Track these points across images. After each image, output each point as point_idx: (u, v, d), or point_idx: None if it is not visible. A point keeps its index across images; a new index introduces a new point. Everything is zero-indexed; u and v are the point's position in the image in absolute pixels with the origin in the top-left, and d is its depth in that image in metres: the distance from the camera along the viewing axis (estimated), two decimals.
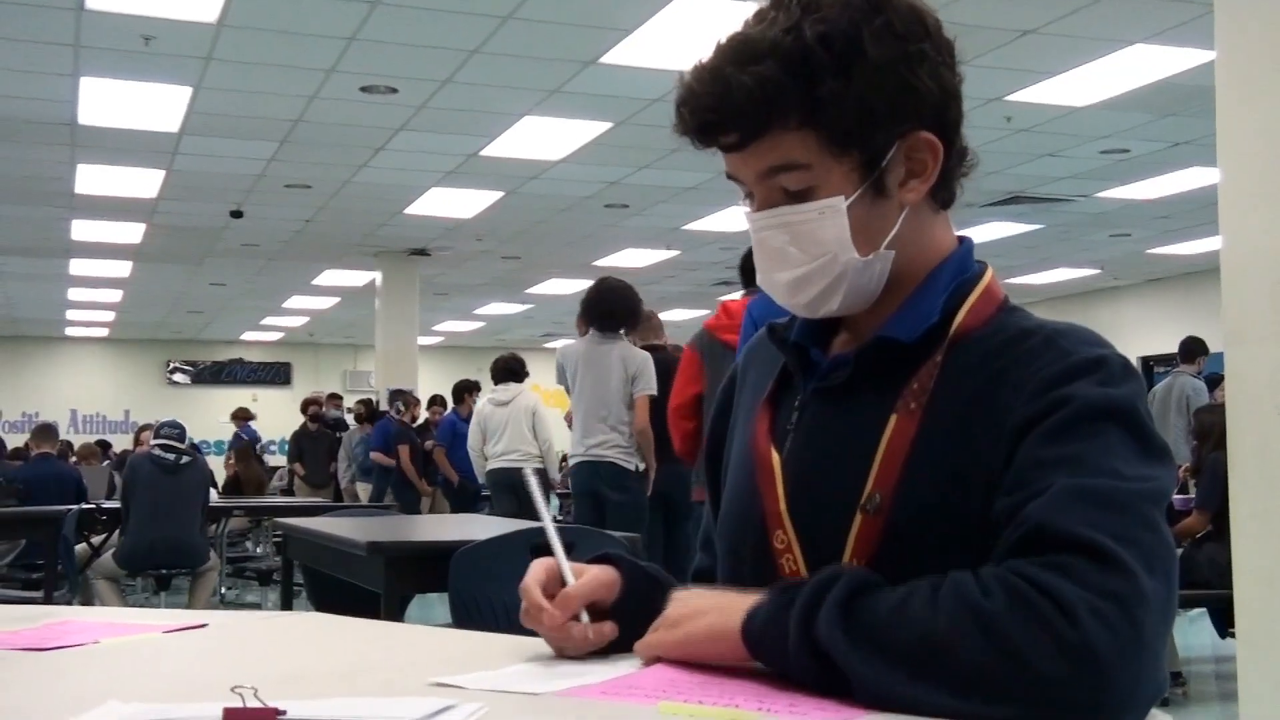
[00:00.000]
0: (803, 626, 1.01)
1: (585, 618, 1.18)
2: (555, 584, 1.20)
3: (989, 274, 1.24)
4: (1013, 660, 0.92)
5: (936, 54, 1.17)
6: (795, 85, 1.12)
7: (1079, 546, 0.96)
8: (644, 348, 6.17)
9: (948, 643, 0.94)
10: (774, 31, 1.14)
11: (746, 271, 5.06)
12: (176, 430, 7.26)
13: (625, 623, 1.20)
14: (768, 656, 1.05)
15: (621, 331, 6.12)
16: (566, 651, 1.20)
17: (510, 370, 8.17)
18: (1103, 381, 1.09)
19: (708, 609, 1.11)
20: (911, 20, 1.16)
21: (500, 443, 7.83)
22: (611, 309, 6.01)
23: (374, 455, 11.28)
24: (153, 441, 7.29)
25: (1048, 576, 0.95)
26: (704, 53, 1.21)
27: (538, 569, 1.21)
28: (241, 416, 15.15)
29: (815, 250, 1.18)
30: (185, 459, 7.08)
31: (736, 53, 1.15)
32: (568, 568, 1.21)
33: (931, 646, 0.95)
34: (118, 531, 7.25)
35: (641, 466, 5.99)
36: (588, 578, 1.21)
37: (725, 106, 1.15)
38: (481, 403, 8.41)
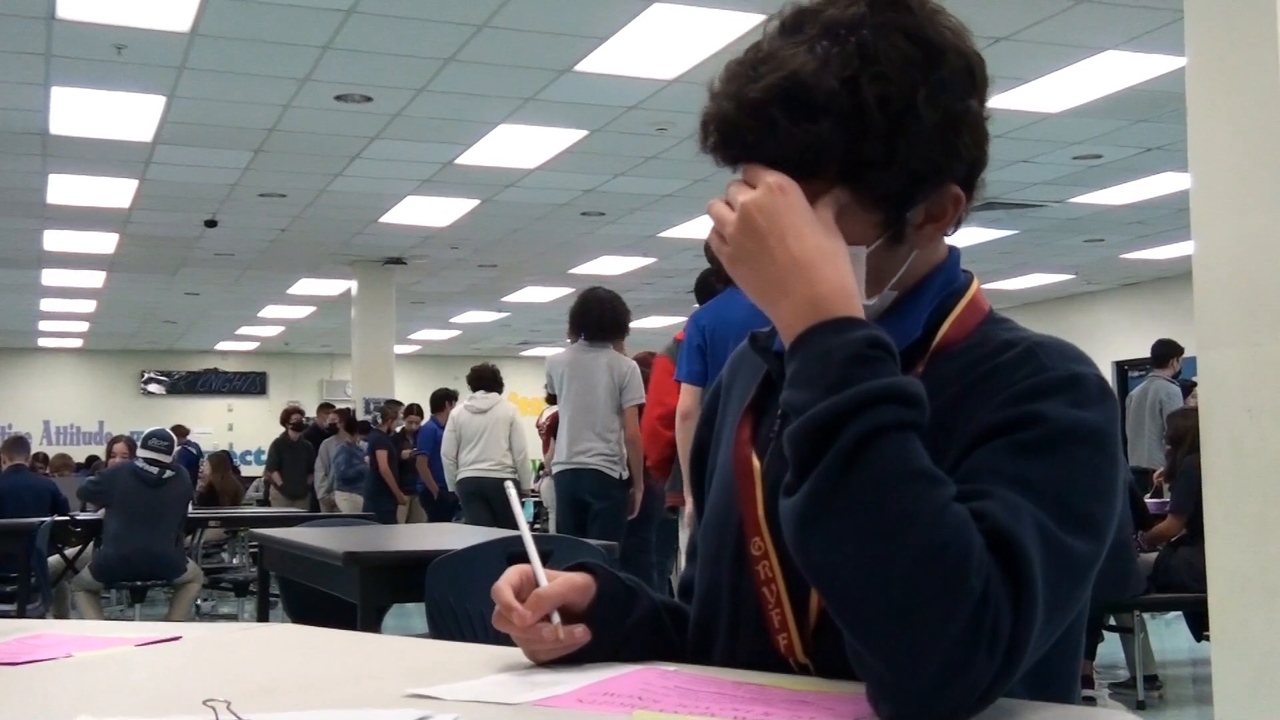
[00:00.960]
0: (845, 404, 0.99)
1: (557, 619, 1.19)
2: (529, 587, 1.20)
3: (974, 285, 1.24)
4: (932, 625, 0.92)
5: (979, 106, 1.16)
6: (844, 145, 1.09)
7: (1029, 581, 0.96)
8: None
9: (912, 558, 0.93)
10: (829, 80, 1.08)
11: (703, 291, 5.11)
12: (165, 442, 7.16)
13: (598, 628, 1.21)
14: (799, 378, 1.03)
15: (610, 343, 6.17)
16: (538, 655, 1.21)
17: (488, 379, 8.18)
18: (1076, 402, 1.08)
19: (817, 284, 1.05)
20: (963, 72, 1.13)
21: (474, 450, 7.83)
22: (600, 320, 6.05)
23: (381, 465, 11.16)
24: (140, 451, 7.19)
25: (1005, 590, 0.95)
26: (735, 65, 1.14)
27: (511, 573, 1.22)
28: (178, 433, 15.09)
29: None
30: (168, 473, 7.01)
31: (788, 96, 1.08)
32: (541, 571, 1.21)
33: (897, 546, 0.94)
34: (92, 544, 7.19)
35: (625, 475, 6.01)
36: (560, 580, 1.22)
37: (766, 149, 1.10)
38: (458, 410, 8.41)
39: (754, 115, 1.10)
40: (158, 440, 7.13)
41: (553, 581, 1.21)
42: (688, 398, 4.43)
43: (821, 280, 1.05)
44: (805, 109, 1.08)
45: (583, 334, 6.07)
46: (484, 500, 7.63)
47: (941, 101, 1.10)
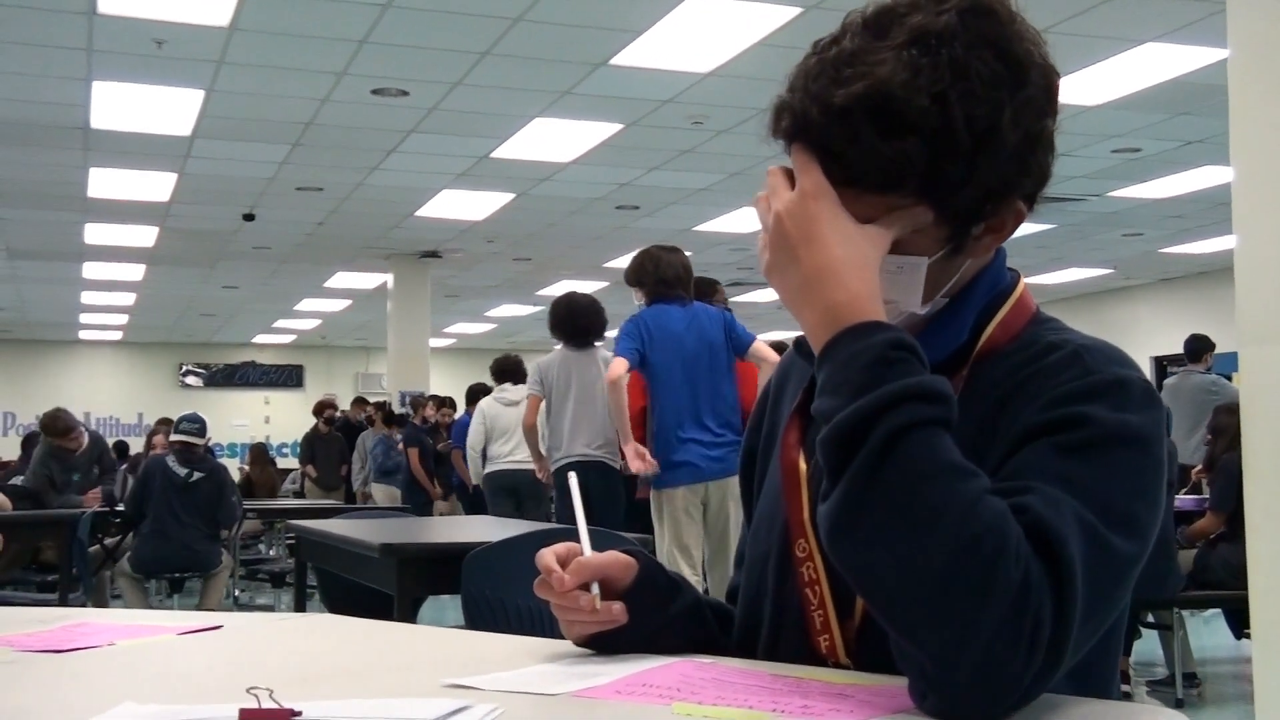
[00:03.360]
0: (871, 406, 0.99)
1: (595, 590, 1.19)
2: (573, 559, 1.21)
3: (1020, 285, 1.23)
4: (971, 616, 0.92)
5: (1053, 124, 1.14)
6: (928, 163, 1.07)
7: (1070, 574, 0.96)
8: None
9: (948, 553, 0.93)
10: (920, 96, 1.05)
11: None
12: (195, 425, 7.13)
13: (637, 611, 1.21)
14: (826, 387, 1.04)
15: (598, 344, 6.35)
16: (574, 629, 1.22)
17: (513, 371, 8.22)
18: (1121, 406, 1.07)
19: (836, 293, 1.06)
20: (1043, 90, 1.12)
21: (509, 443, 7.84)
22: (589, 327, 6.29)
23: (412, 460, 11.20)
24: (172, 436, 7.20)
25: (1048, 580, 0.94)
26: (815, 61, 1.10)
27: (559, 545, 1.22)
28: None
29: (882, 297, 1.13)
30: (197, 474, 6.96)
31: (876, 108, 1.06)
32: (588, 545, 1.22)
33: (932, 541, 0.94)
34: (131, 534, 7.28)
35: (620, 466, 6.14)
36: (606, 553, 1.22)
37: (849, 157, 1.08)
38: (487, 403, 8.34)
39: (840, 123, 1.07)
40: (188, 424, 7.14)
41: (598, 555, 1.21)
42: (619, 367, 5.06)
43: (840, 288, 1.05)
44: (894, 123, 1.06)
45: (572, 340, 6.24)
46: (512, 494, 7.65)
47: (1023, 122, 1.09)
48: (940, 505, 0.95)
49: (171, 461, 7.00)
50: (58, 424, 8.07)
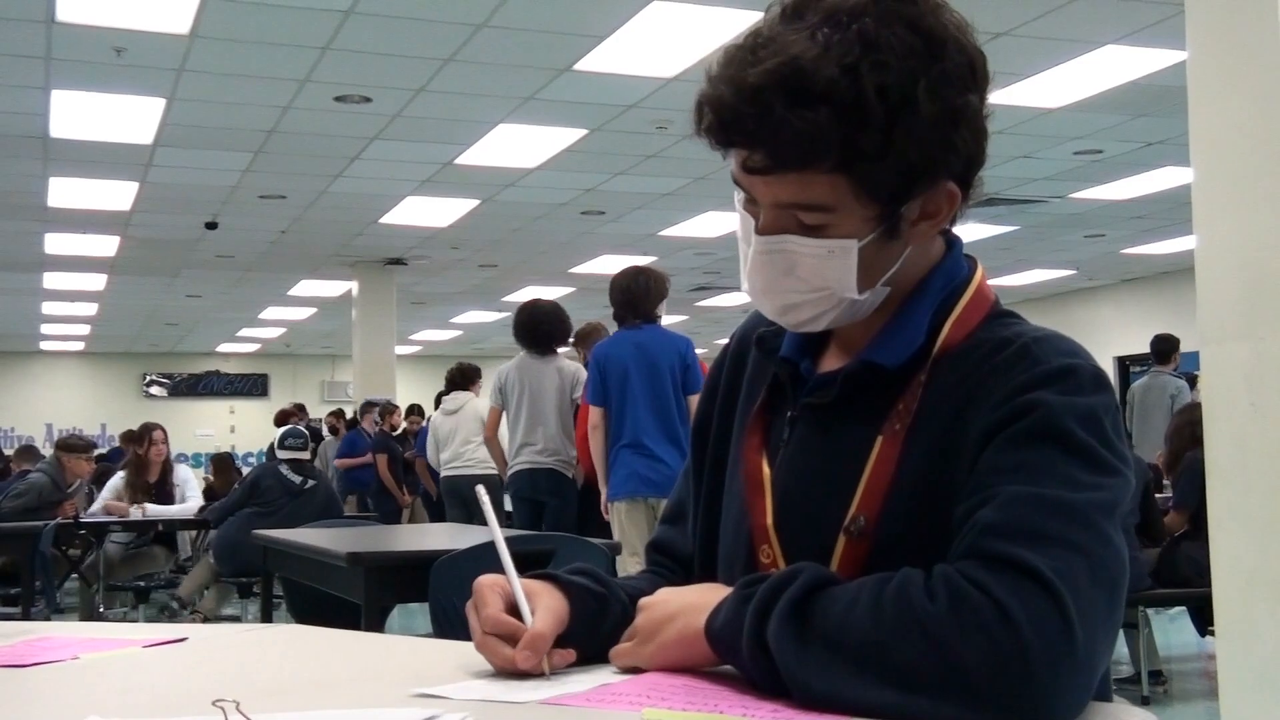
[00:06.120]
0: (756, 626, 1.02)
1: (545, 664, 1.15)
2: (506, 600, 1.18)
3: (978, 276, 1.23)
4: (949, 663, 0.93)
5: (979, 102, 1.15)
6: (842, 134, 1.07)
7: (1021, 562, 0.97)
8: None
9: (889, 644, 0.96)
10: (830, 68, 1.07)
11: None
12: (300, 439, 7.38)
13: (577, 644, 1.18)
14: (731, 657, 1.07)
15: (559, 350, 6.42)
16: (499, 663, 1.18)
17: (456, 381, 8.35)
18: (1069, 390, 1.08)
19: (675, 612, 1.11)
20: (964, 66, 1.12)
21: (448, 451, 7.99)
22: (550, 334, 6.34)
23: (336, 462, 11.37)
24: (279, 453, 7.39)
25: (993, 580, 0.96)
26: (734, 49, 1.13)
27: (489, 596, 1.17)
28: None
29: (816, 283, 1.15)
30: (310, 483, 7.18)
31: (787, 83, 1.07)
32: (525, 604, 1.16)
33: (875, 648, 0.96)
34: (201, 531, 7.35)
35: (573, 475, 6.22)
36: (548, 616, 1.16)
37: (763, 135, 1.09)
38: (435, 414, 8.60)
39: (752, 101, 1.09)
40: (293, 439, 7.38)
41: (542, 617, 1.16)
42: (595, 415, 5.44)
43: (687, 633, 1.10)
44: (804, 96, 1.07)
45: (533, 346, 6.32)
46: (462, 500, 7.79)
47: (941, 94, 1.10)
48: (867, 633, 0.97)
49: (285, 470, 7.18)
50: (79, 441, 8.11)
